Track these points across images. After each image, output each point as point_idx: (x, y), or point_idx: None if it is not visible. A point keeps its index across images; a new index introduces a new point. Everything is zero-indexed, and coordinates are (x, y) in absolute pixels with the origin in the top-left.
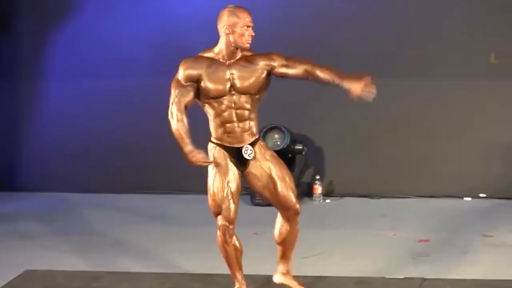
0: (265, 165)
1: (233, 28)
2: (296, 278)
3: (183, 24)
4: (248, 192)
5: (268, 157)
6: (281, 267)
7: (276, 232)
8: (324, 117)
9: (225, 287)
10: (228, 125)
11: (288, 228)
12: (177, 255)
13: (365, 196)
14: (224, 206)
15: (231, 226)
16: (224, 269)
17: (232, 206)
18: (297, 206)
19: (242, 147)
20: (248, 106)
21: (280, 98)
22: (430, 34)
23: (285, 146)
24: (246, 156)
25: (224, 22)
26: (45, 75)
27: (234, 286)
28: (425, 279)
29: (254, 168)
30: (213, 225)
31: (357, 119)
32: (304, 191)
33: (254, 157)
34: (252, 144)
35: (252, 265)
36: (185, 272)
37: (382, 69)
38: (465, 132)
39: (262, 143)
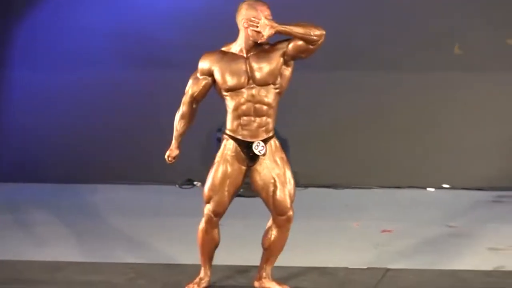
0: (271, 166)
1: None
2: (277, 280)
3: (147, 15)
4: None
5: (277, 159)
6: (262, 272)
7: (264, 237)
8: (289, 108)
9: (188, 276)
10: (245, 118)
11: (277, 234)
12: (141, 245)
13: (329, 186)
14: (216, 198)
15: (215, 218)
16: (187, 259)
17: (224, 200)
18: (291, 212)
19: (253, 142)
20: (267, 100)
21: None
22: (398, 29)
23: None
24: (256, 152)
25: (242, 15)
26: (7, 64)
27: (199, 275)
28: (388, 269)
29: (259, 166)
30: (177, 216)
31: (321, 111)
32: None
33: (264, 154)
34: (265, 141)
35: (215, 255)
36: (148, 262)
37: (348, 63)
38: (428, 125)
39: (276, 143)
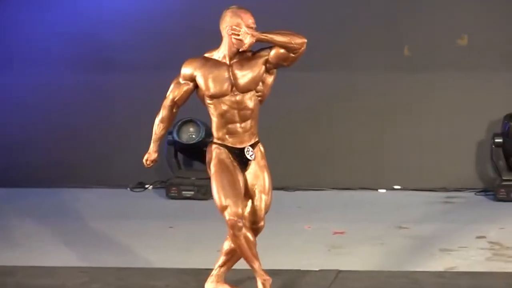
0: (255, 173)
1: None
2: (229, 283)
3: (102, 19)
4: (163, 185)
5: (261, 165)
6: (214, 273)
7: (227, 243)
8: None
9: (139, 280)
10: (230, 125)
11: None
12: (93, 248)
13: (280, 188)
14: (231, 202)
15: (239, 220)
16: (139, 263)
17: (239, 201)
18: (262, 223)
19: (244, 148)
20: (251, 106)
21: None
22: (349, 30)
23: (200, 139)
24: (248, 157)
25: (226, 23)
26: None
27: (256, 276)
28: (340, 271)
29: (247, 170)
30: (129, 219)
31: (272, 112)
32: None
33: (254, 159)
34: (253, 146)
35: (168, 259)
36: (102, 266)
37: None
38: (380, 125)
39: (261, 149)
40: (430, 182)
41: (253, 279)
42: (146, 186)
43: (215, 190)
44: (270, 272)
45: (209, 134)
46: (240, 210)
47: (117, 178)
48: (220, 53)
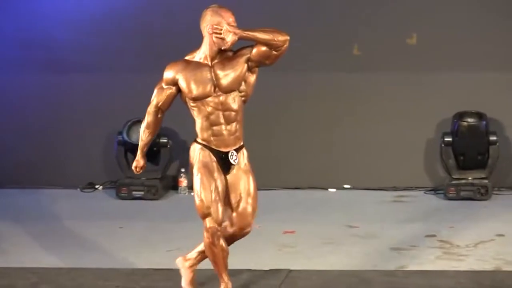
0: (240, 176)
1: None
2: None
3: (50, 21)
4: (113, 186)
5: (245, 169)
6: (189, 256)
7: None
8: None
9: (89, 281)
10: (215, 127)
11: (224, 246)
12: (43, 249)
13: None
14: (213, 208)
15: (219, 228)
16: (89, 263)
17: (220, 208)
18: (250, 228)
19: (228, 152)
20: (235, 107)
21: (144, 91)
22: (297, 28)
23: None
24: (232, 161)
25: (207, 22)
26: None
27: (220, 286)
28: (290, 270)
29: (230, 175)
30: (79, 219)
31: None
32: (169, 184)
33: (237, 163)
34: (237, 150)
35: (118, 259)
36: (51, 266)
37: None
38: (330, 124)
39: (245, 152)
40: (380, 181)
41: (201, 279)
42: (96, 186)
43: (197, 195)
44: None
45: (158, 134)
46: (220, 217)
47: (67, 179)
48: (201, 54)
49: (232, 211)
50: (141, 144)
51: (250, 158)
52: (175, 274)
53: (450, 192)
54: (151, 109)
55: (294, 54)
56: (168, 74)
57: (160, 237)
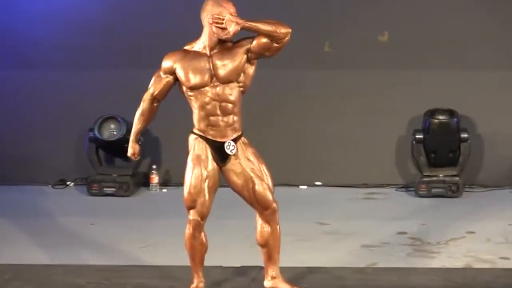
0: (245, 164)
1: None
2: (289, 281)
3: (21, 17)
4: (84, 182)
5: (249, 155)
6: (270, 271)
7: (258, 234)
8: (161, 106)
9: (61, 277)
10: (212, 118)
11: (268, 229)
12: (14, 246)
13: None
14: (199, 201)
15: (202, 222)
16: (61, 259)
17: (207, 202)
18: (274, 205)
19: (224, 142)
20: (232, 98)
21: (116, 88)
22: None
23: (121, 136)
24: (228, 152)
25: (208, 11)
26: None
27: (193, 283)
28: (262, 267)
29: (234, 166)
30: (50, 216)
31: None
32: (141, 181)
33: (236, 153)
34: (235, 140)
35: (89, 255)
36: (23, 263)
37: None
38: (301, 121)
39: (245, 140)
40: (351, 178)
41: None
42: (68, 183)
43: (186, 186)
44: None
45: (130, 131)
46: (205, 211)
47: (38, 175)
48: (200, 44)
49: (251, 198)
50: (134, 130)
51: None
52: (146, 270)
53: (421, 189)
54: (146, 96)
55: None
56: (166, 63)
57: (131, 233)
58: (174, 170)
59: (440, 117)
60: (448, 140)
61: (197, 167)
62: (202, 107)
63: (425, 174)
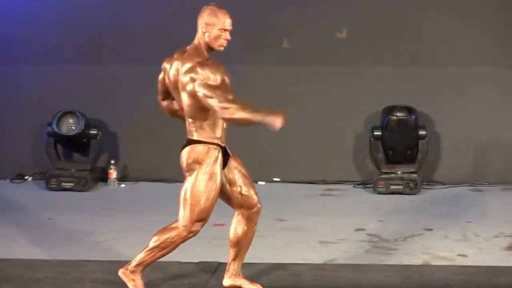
0: (235, 164)
1: (211, 28)
2: (247, 278)
3: None
4: (43, 177)
5: (233, 156)
6: (231, 269)
7: (232, 233)
8: (120, 102)
9: (18, 272)
10: (225, 124)
11: (246, 228)
12: None
13: (160, 180)
14: (207, 217)
15: (192, 236)
16: (18, 254)
17: (205, 223)
18: (259, 204)
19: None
20: None
21: (75, 82)
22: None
23: (80, 131)
24: (230, 153)
25: (203, 19)
26: None
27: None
28: (220, 263)
29: (228, 167)
30: (8, 210)
31: (152, 104)
32: (99, 176)
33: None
34: None
35: (47, 250)
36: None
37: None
38: None
39: None
40: (309, 175)
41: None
42: (26, 177)
43: (202, 199)
44: (150, 266)
45: (88, 125)
46: (199, 230)
47: None
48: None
49: (237, 198)
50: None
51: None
52: (104, 265)
53: (379, 186)
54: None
55: (226, 48)
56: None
57: (89, 228)
58: (132, 165)
59: (398, 114)
60: (406, 137)
61: (215, 181)
62: None
63: (383, 171)
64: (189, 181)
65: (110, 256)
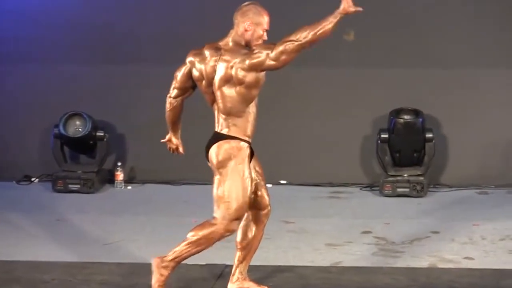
0: (253, 163)
1: (256, 28)
2: (254, 280)
3: None
4: (49, 179)
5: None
6: (237, 273)
7: (240, 236)
8: (127, 104)
9: (25, 274)
10: (255, 121)
11: (255, 231)
12: None
13: (166, 182)
14: (236, 225)
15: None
16: (25, 256)
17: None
18: (270, 207)
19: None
20: None
21: (82, 84)
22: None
23: (87, 132)
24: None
25: (249, 18)
26: None
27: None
28: (227, 266)
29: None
30: (14, 212)
31: (158, 106)
32: (106, 178)
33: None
34: None
35: (54, 252)
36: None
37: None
38: (266, 119)
39: None
40: (316, 177)
41: (136, 273)
42: (32, 179)
43: (239, 198)
44: None
45: (95, 127)
46: (236, 229)
47: (2, 171)
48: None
49: (252, 196)
50: None
51: (187, 153)
52: (111, 267)
53: (386, 189)
54: None
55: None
56: None
57: (96, 230)
58: (139, 167)
59: (405, 116)
60: (413, 140)
61: (249, 180)
62: (255, 109)
63: (390, 173)
64: (222, 178)
65: (117, 258)
